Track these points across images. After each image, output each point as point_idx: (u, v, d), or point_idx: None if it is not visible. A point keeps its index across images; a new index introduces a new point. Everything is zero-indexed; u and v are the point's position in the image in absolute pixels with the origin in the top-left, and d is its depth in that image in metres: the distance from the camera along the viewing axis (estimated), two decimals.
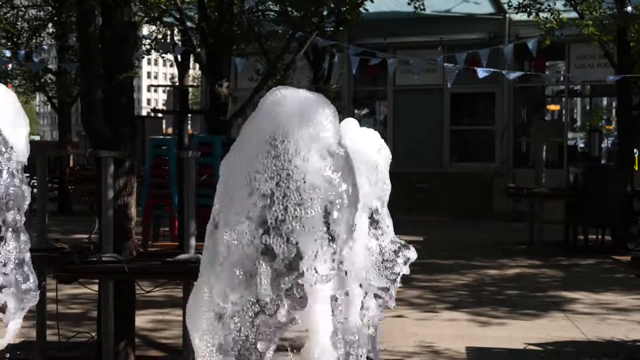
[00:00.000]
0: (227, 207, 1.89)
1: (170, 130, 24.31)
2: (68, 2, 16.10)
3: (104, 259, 5.23)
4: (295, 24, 11.69)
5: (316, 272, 1.82)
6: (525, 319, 7.69)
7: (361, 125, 2.35)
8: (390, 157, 2.33)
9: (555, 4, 13.90)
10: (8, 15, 19.05)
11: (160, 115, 25.37)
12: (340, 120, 2.00)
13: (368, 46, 15.29)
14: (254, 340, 1.87)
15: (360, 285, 2.17)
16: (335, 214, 1.83)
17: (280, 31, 13.67)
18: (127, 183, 5.74)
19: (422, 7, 15.08)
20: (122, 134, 5.71)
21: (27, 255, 2.15)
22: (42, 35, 19.63)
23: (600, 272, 10.43)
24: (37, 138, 68.46)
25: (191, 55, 15.90)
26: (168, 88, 29.54)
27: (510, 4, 14.78)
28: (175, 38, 17.31)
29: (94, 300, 6.40)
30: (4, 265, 2.10)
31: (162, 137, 16.54)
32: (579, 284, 9.53)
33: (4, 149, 2.12)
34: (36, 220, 5.61)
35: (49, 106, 21.23)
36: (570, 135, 20.67)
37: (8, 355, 2.17)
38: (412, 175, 16.95)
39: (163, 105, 67.18)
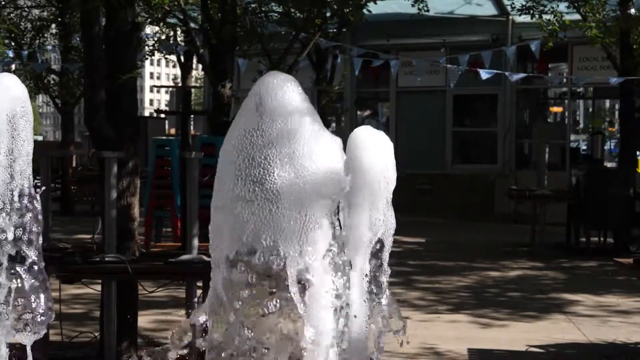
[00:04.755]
0: None
1: (173, 131, 24.35)
2: (72, 3, 16.12)
3: (106, 259, 5.24)
4: (298, 25, 11.70)
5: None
6: (527, 321, 7.70)
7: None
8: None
9: (558, 6, 13.89)
10: (12, 15, 19.08)
11: (163, 115, 25.43)
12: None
13: (371, 47, 15.30)
14: None
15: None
16: None
17: (283, 32, 13.68)
18: (130, 183, 5.76)
19: (425, 8, 15.07)
20: (125, 134, 5.73)
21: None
22: (46, 35, 19.64)
23: (601, 275, 10.42)
24: (40, 138, 68.52)
25: (194, 56, 15.92)
26: (171, 89, 29.58)
27: (513, 5, 14.79)
28: (179, 39, 17.31)
29: (97, 301, 6.43)
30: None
31: (164, 137, 16.58)
32: (580, 286, 9.53)
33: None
34: None
35: (52, 106, 21.25)
36: (572, 137, 20.68)
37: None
38: (414, 176, 16.94)
39: (166, 106, 67.22)
